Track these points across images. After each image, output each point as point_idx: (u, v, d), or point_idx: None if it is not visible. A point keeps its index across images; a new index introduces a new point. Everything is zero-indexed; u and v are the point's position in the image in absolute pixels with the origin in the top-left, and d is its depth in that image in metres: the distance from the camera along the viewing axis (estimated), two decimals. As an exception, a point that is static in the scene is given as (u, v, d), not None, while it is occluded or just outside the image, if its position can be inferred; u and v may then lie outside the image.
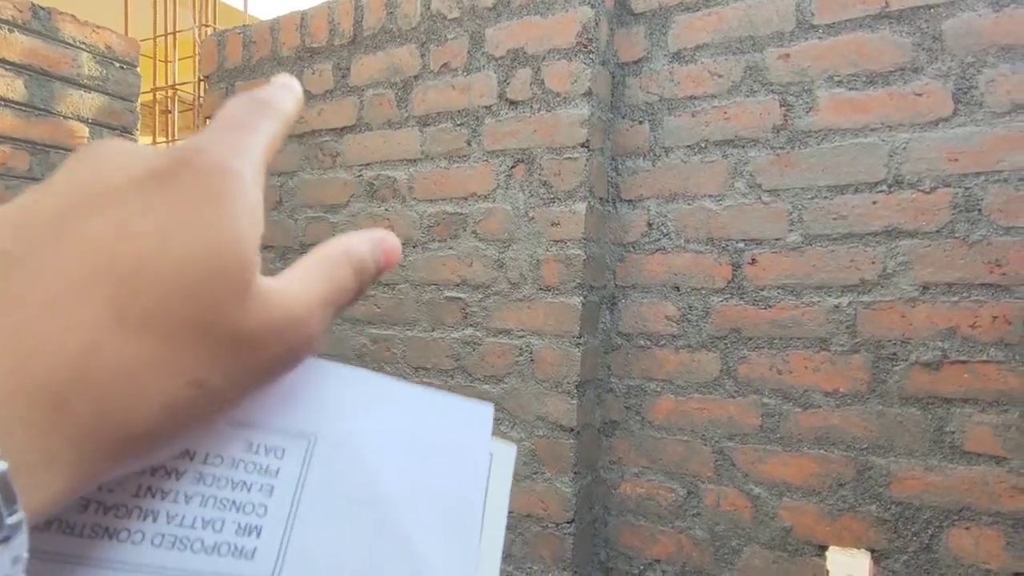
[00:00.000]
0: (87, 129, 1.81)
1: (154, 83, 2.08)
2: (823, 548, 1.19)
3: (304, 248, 1.62)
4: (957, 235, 1.09)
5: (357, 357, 1.54)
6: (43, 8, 1.71)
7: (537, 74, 1.30)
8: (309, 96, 1.61)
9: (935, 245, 1.10)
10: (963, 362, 1.08)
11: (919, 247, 1.11)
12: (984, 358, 1.07)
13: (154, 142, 2.13)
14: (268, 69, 1.69)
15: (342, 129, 1.56)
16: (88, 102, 1.80)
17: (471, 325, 1.39)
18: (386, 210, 1.50)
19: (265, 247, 1.68)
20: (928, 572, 1.10)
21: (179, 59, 2.13)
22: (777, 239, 1.22)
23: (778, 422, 1.22)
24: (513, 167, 1.33)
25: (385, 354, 1.50)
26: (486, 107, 1.36)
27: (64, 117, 1.76)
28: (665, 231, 1.32)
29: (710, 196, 1.28)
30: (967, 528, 1.07)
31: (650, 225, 1.34)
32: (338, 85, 1.56)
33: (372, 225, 1.52)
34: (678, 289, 1.31)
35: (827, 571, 1.20)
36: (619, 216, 1.37)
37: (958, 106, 1.08)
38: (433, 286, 1.44)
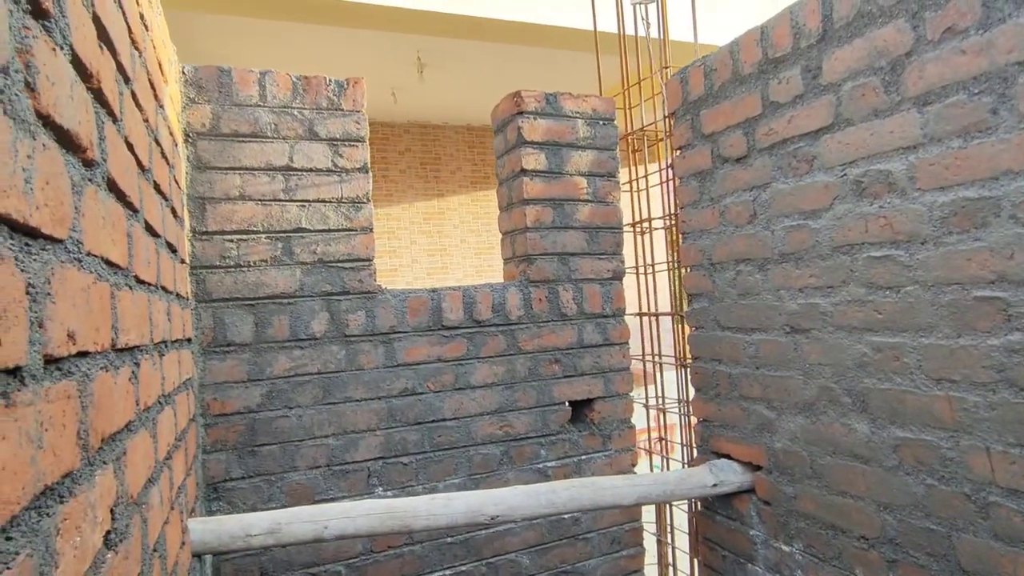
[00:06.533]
0: (585, 181, 2.23)
1: (627, 128, 2.42)
2: None
3: (784, 258, 1.62)
4: None
5: None
6: (551, 94, 2.20)
7: None
8: (776, 107, 1.62)
9: None
10: None
11: None
12: None
13: (631, 179, 2.48)
14: (730, 91, 1.77)
15: (817, 131, 1.51)
16: (584, 159, 2.23)
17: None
18: (880, 207, 1.38)
19: (744, 260, 1.76)
20: None
21: (643, 102, 2.43)
22: None
23: None
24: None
25: None
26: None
27: (570, 175, 2.21)
28: None
29: None
30: None
31: None
32: (808, 88, 1.52)
33: (862, 226, 1.41)
34: None
35: None
36: None
37: None
38: (954, 286, 1.24)
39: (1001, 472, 1.18)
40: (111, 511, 0.62)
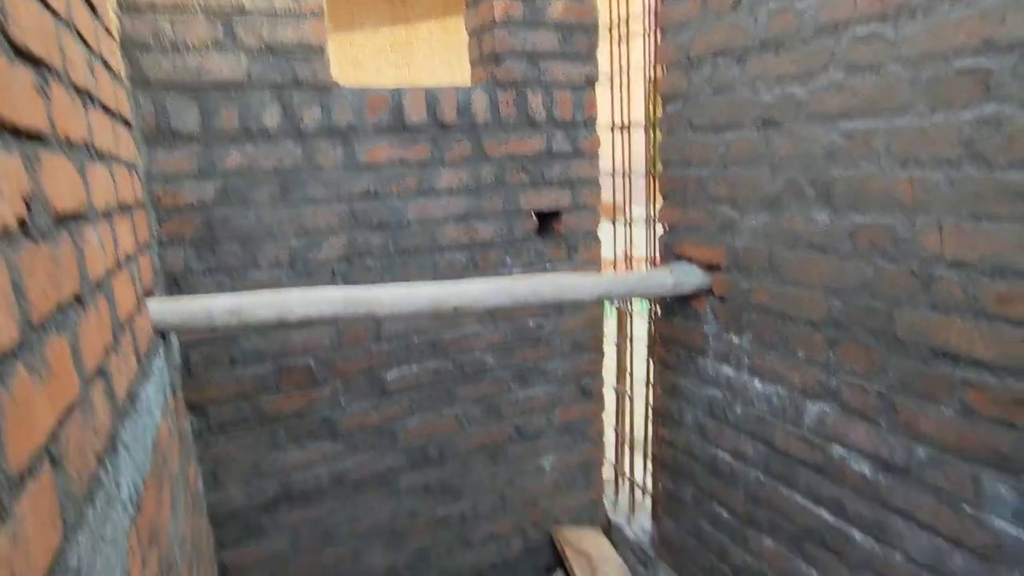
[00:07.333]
0: None
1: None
2: None
3: (765, 46, 1.52)
4: None
5: None
6: None
7: None
8: None
9: None
10: None
11: None
12: None
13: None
14: None
15: None
16: None
17: None
18: (874, -26, 1.26)
19: (723, 52, 1.65)
20: None
21: None
22: None
23: None
24: None
25: None
26: None
27: None
28: None
29: None
30: None
31: None
32: None
33: (851, 0, 1.31)
34: None
35: None
36: None
37: None
38: None
39: (950, 245, 1.21)
40: (25, 202, 0.58)
